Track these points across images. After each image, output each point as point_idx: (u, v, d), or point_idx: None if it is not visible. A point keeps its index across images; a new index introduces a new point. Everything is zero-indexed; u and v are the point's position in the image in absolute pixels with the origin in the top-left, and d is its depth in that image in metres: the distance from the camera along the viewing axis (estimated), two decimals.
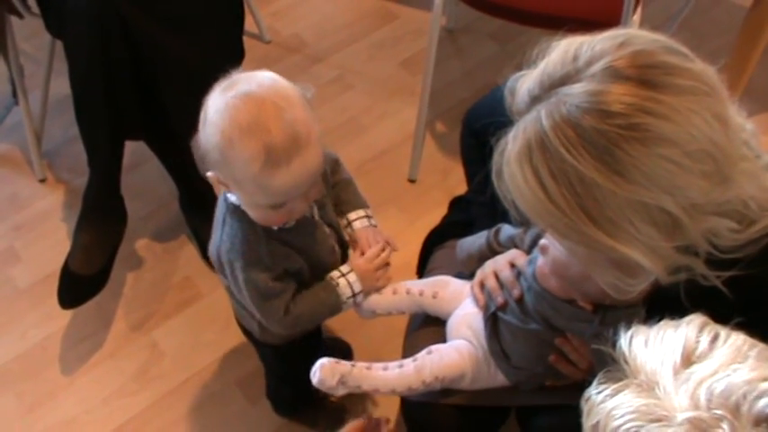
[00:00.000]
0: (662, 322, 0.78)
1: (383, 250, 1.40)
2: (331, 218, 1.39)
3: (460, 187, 1.69)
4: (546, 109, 0.93)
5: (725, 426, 0.66)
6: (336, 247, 1.40)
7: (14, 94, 2.11)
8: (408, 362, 1.33)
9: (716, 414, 0.67)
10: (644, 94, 0.89)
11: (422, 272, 1.64)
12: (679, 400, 0.69)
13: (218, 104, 1.15)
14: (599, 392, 0.75)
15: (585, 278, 1.14)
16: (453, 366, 1.31)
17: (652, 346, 0.74)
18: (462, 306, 1.37)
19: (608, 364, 1.14)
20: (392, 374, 1.33)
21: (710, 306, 0.89)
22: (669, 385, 0.71)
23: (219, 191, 1.29)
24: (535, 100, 0.95)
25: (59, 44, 1.91)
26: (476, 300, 1.34)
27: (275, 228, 1.27)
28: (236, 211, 1.26)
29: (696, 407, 0.68)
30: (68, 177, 2.21)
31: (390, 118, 2.36)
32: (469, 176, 1.59)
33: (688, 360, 0.72)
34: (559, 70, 0.94)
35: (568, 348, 1.24)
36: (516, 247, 1.36)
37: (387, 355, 1.44)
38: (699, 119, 0.89)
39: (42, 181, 2.20)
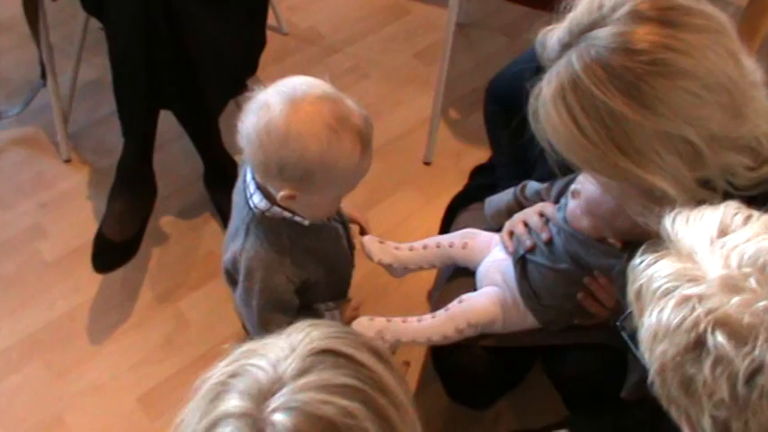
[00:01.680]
0: (701, 206, 0.88)
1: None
2: (343, 216, 1.47)
3: None
4: (576, 53, 1.05)
5: (752, 281, 0.77)
6: (347, 249, 1.48)
7: (43, 76, 2.20)
8: (441, 312, 1.43)
9: (745, 271, 0.77)
10: (665, 32, 1.01)
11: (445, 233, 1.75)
12: (713, 262, 0.80)
13: (291, 117, 1.15)
14: (642, 261, 0.86)
15: (616, 215, 1.26)
16: (485, 312, 1.41)
17: (692, 223, 0.85)
18: (491, 254, 1.47)
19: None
20: (426, 324, 1.43)
21: None
22: (705, 252, 0.81)
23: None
24: (565, 47, 1.07)
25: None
26: (505, 246, 1.44)
27: (306, 223, 1.31)
28: (263, 220, 1.30)
29: (727, 267, 0.78)
30: (93, 159, 2.31)
31: (405, 105, 2.48)
32: (493, 141, 1.70)
33: (723, 233, 0.82)
34: (587, 18, 1.06)
35: (596, 287, 1.34)
36: (542, 200, 1.46)
37: None
38: (714, 54, 1.02)
39: (67, 161, 2.29)
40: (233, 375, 0.79)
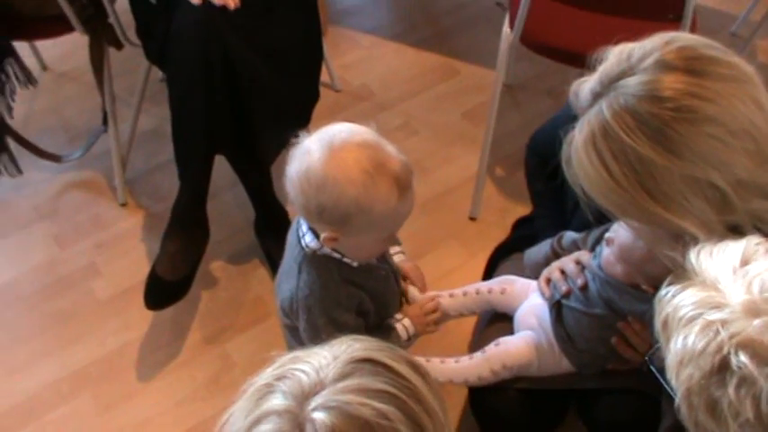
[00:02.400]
0: (724, 240, 0.96)
1: (432, 300, 1.58)
2: (388, 259, 1.55)
3: None
4: (606, 101, 1.13)
5: None
6: (396, 289, 1.56)
7: (105, 123, 2.36)
8: (478, 354, 1.51)
9: (766, 296, 0.84)
10: (691, 80, 1.09)
11: None
12: (735, 289, 0.87)
13: (330, 163, 1.23)
14: (667, 291, 0.93)
15: (648, 261, 1.33)
16: (520, 355, 1.49)
17: (716, 255, 0.92)
18: (529, 299, 1.55)
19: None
20: (464, 365, 1.51)
21: None
22: (728, 280, 0.88)
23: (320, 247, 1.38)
24: (597, 96, 1.16)
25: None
26: (542, 292, 1.52)
27: (355, 265, 1.39)
28: (314, 259, 1.38)
29: (750, 293, 0.86)
30: (148, 203, 2.45)
31: (452, 162, 2.58)
32: (533, 193, 1.79)
33: (746, 262, 0.90)
34: (616, 68, 1.15)
35: (630, 332, 1.40)
36: (578, 249, 1.54)
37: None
38: (738, 101, 1.10)
39: (123, 205, 2.44)
40: (278, 378, 0.87)
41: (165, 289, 1.97)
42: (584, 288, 1.45)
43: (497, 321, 1.62)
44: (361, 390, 0.83)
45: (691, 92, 1.08)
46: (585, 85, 1.19)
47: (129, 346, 2.13)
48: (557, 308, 1.48)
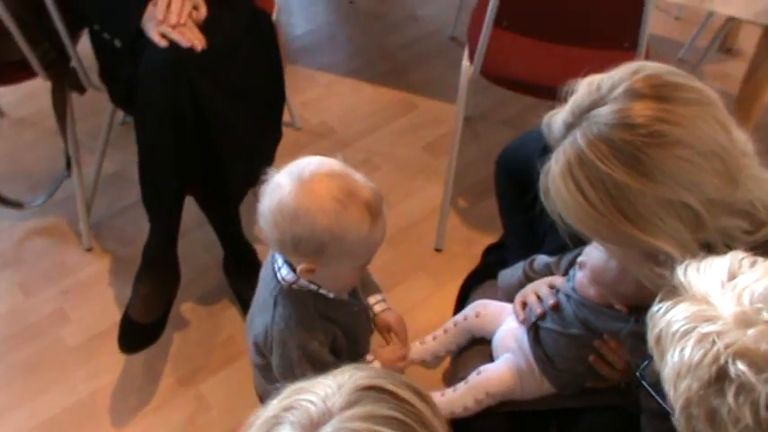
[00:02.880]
0: (699, 257, 1.02)
1: (403, 349, 1.60)
2: (360, 296, 1.59)
3: None
4: (580, 131, 1.19)
5: (765, 314, 0.89)
6: (368, 327, 1.60)
7: (68, 167, 2.38)
8: (461, 384, 1.56)
9: (757, 307, 0.90)
10: (659, 106, 1.16)
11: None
12: (726, 302, 0.92)
13: (301, 195, 1.27)
14: (659, 308, 0.98)
15: (620, 282, 1.39)
16: (502, 381, 1.53)
17: (703, 271, 0.98)
18: (505, 323, 1.60)
19: (645, 358, 1.38)
20: (448, 398, 1.55)
21: None
22: (717, 294, 0.94)
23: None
24: (569, 127, 1.22)
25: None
26: (516, 315, 1.57)
27: (331, 296, 1.42)
28: (290, 292, 1.40)
29: (740, 304, 0.91)
30: (113, 247, 2.46)
31: (415, 195, 2.64)
32: (502, 208, 1.85)
33: (733, 276, 0.95)
34: (587, 99, 1.21)
35: (606, 350, 1.46)
36: (552, 273, 1.60)
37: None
38: (704, 123, 1.17)
39: (89, 250, 2.44)
40: (286, 409, 0.89)
41: (139, 332, 1.98)
42: (557, 308, 1.50)
43: (474, 345, 1.67)
44: (368, 417, 0.85)
45: (660, 117, 1.14)
46: (557, 117, 1.25)
47: (101, 392, 2.13)
48: (534, 330, 1.53)
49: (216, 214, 2.16)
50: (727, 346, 0.88)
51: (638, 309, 1.44)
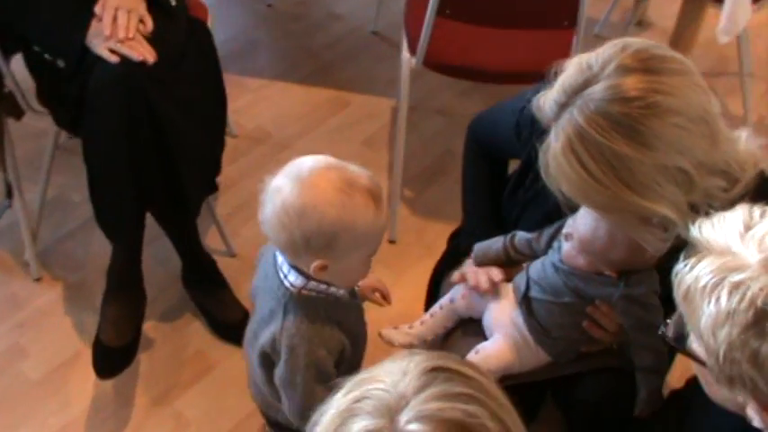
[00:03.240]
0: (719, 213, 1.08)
1: None
2: (357, 295, 1.60)
3: (436, 243, 2.05)
4: (577, 108, 1.26)
5: None
6: (365, 329, 1.61)
7: (9, 196, 2.30)
8: None
9: None
10: (651, 78, 1.24)
11: (431, 302, 1.92)
12: (749, 251, 0.99)
13: (304, 192, 1.29)
14: (684, 266, 1.04)
15: (610, 249, 1.46)
16: (501, 358, 1.58)
17: (717, 226, 1.04)
18: (494, 301, 1.64)
19: (638, 320, 1.45)
20: None
21: None
22: (738, 245, 1.00)
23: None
24: (563, 106, 1.28)
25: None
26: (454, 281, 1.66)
27: (341, 293, 1.44)
28: (300, 298, 1.41)
29: (763, 251, 0.98)
30: (63, 274, 2.40)
31: None
32: (466, 176, 1.88)
33: (748, 227, 1.02)
34: (578, 78, 1.28)
35: (598, 314, 1.52)
36: (532, 248, 1.65)
37: None
38: (691, 91, 1.25)
39: (38, 280, 2.37)
40: (356, 401, 0.90)
41: (113, 356, 1.95)
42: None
43: (459, 326, 1.71)
44: (444, 396, 0.88)
45: (653, 88, 1.22)
46: (548, 98, 1.31)
47: (73, 424, 2.08)
48: (526, 303, 1.58)
49: (174, 227, 2.14)
50: (761, 289, 0.95)
51: (627, 273, 1.52)
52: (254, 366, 1.54)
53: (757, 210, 1.05)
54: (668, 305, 1.47)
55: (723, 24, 2.27)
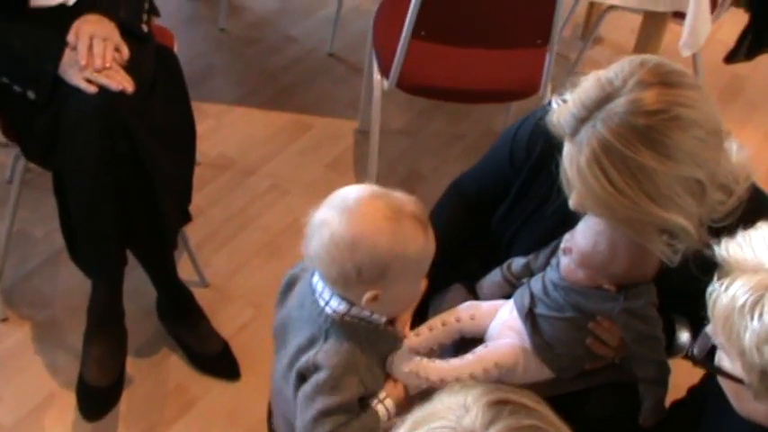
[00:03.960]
0: (741, 232, 1.11)
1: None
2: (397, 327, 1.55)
3: None
4: (600, 122, 1.27)
5: None
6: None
7: None
8: (468, 355, 1.58)
9: None
10: (672, 92, 1.27)
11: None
12: None
13: (353, 223, 1.28)
14: (718, 288, 1.06)
15: (610, 262, 1.48)
16: (509, 354, 1.57)
17: (746, 245, 1.07)
18: (498, 317, 1.64)
19: (638, 333, 1.47)
20: (455, 365, 1.56)
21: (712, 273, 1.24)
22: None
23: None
24: (582, 120, 1.30)
25: None
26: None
27: (383, 321, 1.40)
28: (343, 324, 1.37)
29: None
30: (30, 313, 2.32)
31: None
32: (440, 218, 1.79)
33: None
34: (599, 93, 1.29)
35: (600, 330, 1.53)
36: (530, 270, 1.66)
37: None
38: (707, 104, 1.29)
39: (5, 320, 2.29)
40: None
41: (99, 396, 1.90)
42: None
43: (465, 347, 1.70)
44: (513, 430, 0.87)
45: (676, 102, 1.25)
46: (564, 113, 1.33)
47: None
48: (531, 319, 1.58)
49: (152, 259, 2.09)
50: None
51: (626, 287, 1.54)
52: (289, 402, 1.47)
53: None
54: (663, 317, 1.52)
55: (685, 39, 2.34)
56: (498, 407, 0.90)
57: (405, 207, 1.32)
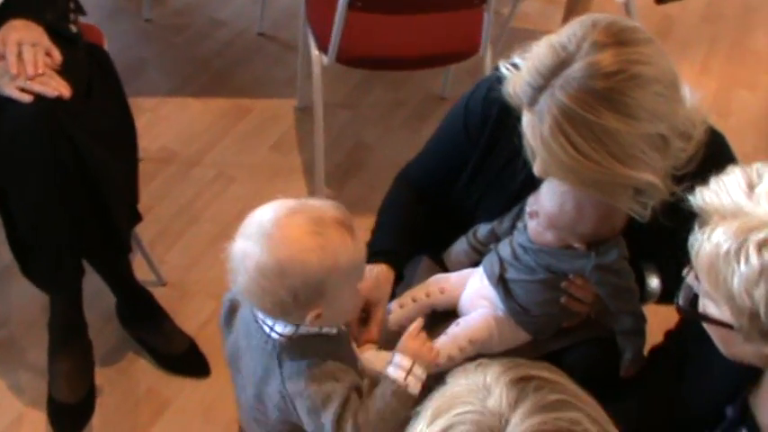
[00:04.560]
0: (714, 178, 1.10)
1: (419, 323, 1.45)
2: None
3: (367, 235, 1.81)
4: (558, 89, 1.24)
5: None
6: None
7: None
8: (441, 337, 1.56)
9: None
10: (627, 51, 1.25)
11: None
12: (763, 208, 1.01)
13: (277, 249, 1.20)
14: (700, 236, 1.05)
15: (578, 222, 1.47)
16: (482, 327, 1.56)
17: (721, 191, 1.06)
18: (468, 287, 1.63)
19: (613, 288, 1.48)
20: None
21: (678, 218, 1.25)
22: (749, 205, 1.02)
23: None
24: (540, 89, 1.27)
25: None
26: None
27: (334, 332, 1.35)
28: (292, 345, 1.31)
29: None
30: None
31: (281, 197, 2.60)
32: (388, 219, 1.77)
33: (751, 185, 1.04)
34: (554, 60, 1.26)
35: (573, 288, 1.53)
36: (496, 235, 1.65)
37: None
38: (663, 58, 1.28)
39: None
40: (444, 430, 0.85)
41: (71, 413, 1.85)
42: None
43: (438, 319, 1.69)
44: (541, 407, 0.84)
45: (632, 60, 1.23)
46: (519, 83, 1.30)
47: None
48: (502, 284, 1.58)
49: (108, 264, 2.04)
50: None
51: (596, 244, 1.53)
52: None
53: (753, 167, 1.07)
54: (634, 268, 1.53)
55: None
56: (522, 384, 0.87)
57: (325, 215, 1.25)
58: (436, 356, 1.42)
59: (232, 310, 1.45)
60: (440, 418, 0.86)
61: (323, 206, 1.27)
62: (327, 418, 1.28)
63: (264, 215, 1.25)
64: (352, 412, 1.29)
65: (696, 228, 1.07)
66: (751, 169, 1.07)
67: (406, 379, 1.34)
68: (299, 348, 1.32)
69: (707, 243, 1.04)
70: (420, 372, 1.35)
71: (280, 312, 1.27)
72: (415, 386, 1.34)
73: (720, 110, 3.05)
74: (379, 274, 1.59)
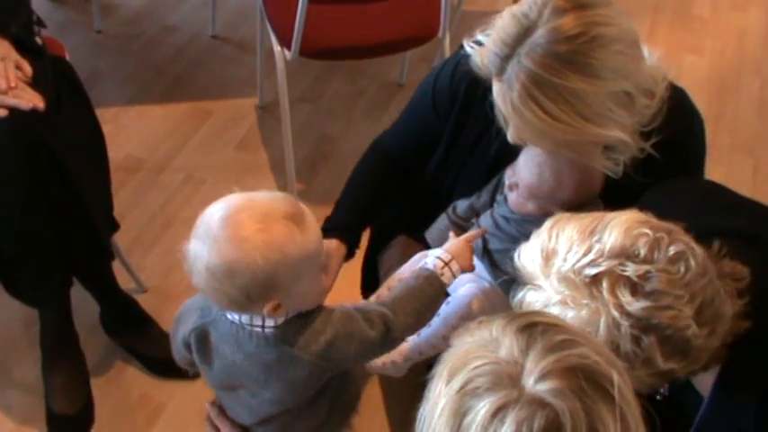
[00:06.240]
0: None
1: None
2: None
3: None
4: (524, 57, 1.29)
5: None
6: None
7: None
8: (434, 319, 1.58)
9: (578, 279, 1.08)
10: (587, 13, 1.30)
11: (367, 285, 1.94)
12: (550, 284, 1.11)
13: (223, 249, 1.20)
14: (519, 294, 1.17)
15: (557, 189, 1.52)
16: (473, 303, 1.59)
17: (525, 257, 1.18)
18: None
19: None
20: (425, 334, 1.57)
21: (652, 173, 1.34)
22: (542, 280, 1.13)
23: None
24: (507, 58, 1.32)
25: None
26: None
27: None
28: (287, 327, 1.31)
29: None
30: None
31: None
32: (363, 186, 1.81)
33: (547, 259, 1.14)
34: (517, 29, 1.32)
35: None
36: (475, 210, 1.69)
37: None
38: (622, 18, 1.33)
39: None
40: (465, 385, 0.88)
41: (72, 425, 1.85)
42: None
43: None
44: (552, 348, 0.88)
45: (593, 22, 1.28)
46: (486, 54, 1.35)
47: None
48: (488, 256, 1.62)
49: (94, 273, 2.04)
50: None
51: (576, 208, 1.58)
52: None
53: (550, 232, 1.20)
54: None
55: None
56: (528, 330, 0.91)
57: (271, 210, 1.23)
58: (472, 264, 1.51)
59: (201, 338, 1.41)
60: (457, 375, 0.89)
61: (271, 200, 1.25)
62: (376, 323, 1.34)
63: (213, 215, 1.24)
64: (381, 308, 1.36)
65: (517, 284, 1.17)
66: (552, 237, 1.17)
67: (443, 269, 1.44)
68: (296, 325, 1.32)
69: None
70: (456, 269, 1.46)
71: (237, 308, 1.28)
72: (448, 278, 1.45)
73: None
74: (329, 249, 1.61)
